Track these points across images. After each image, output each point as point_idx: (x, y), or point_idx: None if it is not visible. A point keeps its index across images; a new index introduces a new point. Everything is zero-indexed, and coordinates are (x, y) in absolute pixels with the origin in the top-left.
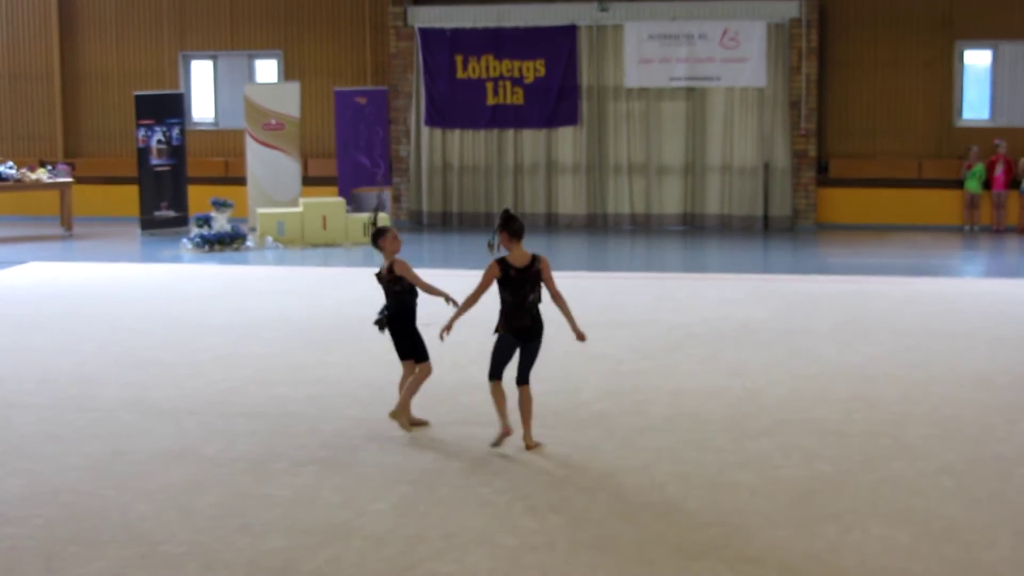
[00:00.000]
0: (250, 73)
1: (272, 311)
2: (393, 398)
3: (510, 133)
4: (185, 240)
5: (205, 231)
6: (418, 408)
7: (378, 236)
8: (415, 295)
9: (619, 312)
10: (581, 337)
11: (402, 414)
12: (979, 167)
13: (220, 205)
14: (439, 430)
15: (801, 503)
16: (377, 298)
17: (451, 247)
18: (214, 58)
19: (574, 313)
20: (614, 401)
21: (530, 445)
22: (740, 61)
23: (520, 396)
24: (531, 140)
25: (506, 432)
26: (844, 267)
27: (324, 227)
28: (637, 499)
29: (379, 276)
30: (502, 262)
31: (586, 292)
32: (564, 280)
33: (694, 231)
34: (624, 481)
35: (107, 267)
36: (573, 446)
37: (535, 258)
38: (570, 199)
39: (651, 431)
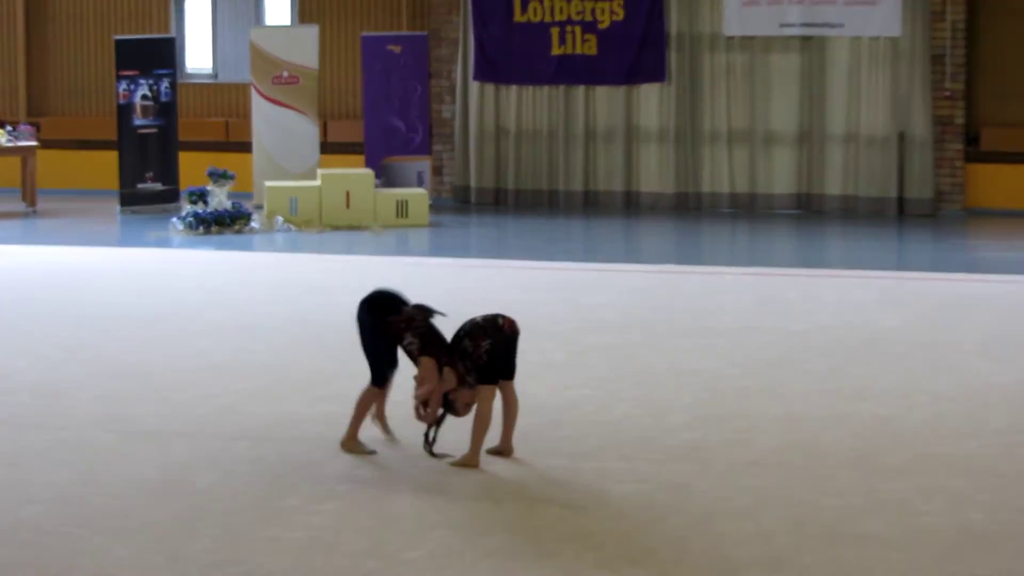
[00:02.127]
0: (257, 14)
1: (282, 309)
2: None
3: (580, 91)
4: (175, 220)
5: (200, 209)
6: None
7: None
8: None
9: (716, 317)
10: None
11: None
12: None
13: (219, 177)
14: (489, 463)
15: (946, 560)
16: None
17: (505, 233)
18: None
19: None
20: (709, 428)
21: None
22: (869, 4)
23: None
24: (606, 100)
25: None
26: (999, 264)
27: (347, 205)
28: (738, 552)
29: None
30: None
31: (674, 291)
32: (645, 276)
33: (810, 216)
34: (722, 529)
35: (78, 252)
36: (658, 483)
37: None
38: (655, 174)
39: (756, 466)
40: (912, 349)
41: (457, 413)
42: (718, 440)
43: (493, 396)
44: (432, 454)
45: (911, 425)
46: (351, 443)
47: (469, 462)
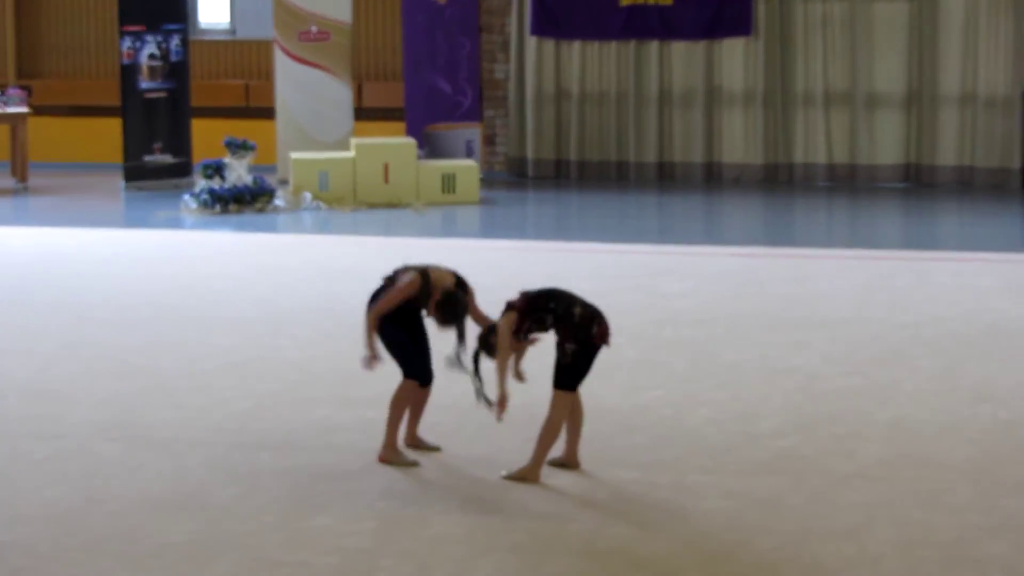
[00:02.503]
0: None
1: (311, 299)
2: (482, 424)
3: (653, 47)
4: (187, 197)
5: (216, 185)
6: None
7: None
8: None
9: (812, 306)
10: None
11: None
12: None
13: (237, 148)
14: (550, 477)
15: None
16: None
17: (567, 211)
18: None
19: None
20: (804, 435)
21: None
22: None
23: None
24: (683, 57)
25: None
26: None
27: (386, 180)
28: None
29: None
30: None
31: (763, 277)
32: (730, 260)
33: (920, 190)
34: (821, 551)
35: (76, 234)
36: (744, 499)
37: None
38: (740, 143)
39: (859, 479)
40: None
41: (491, 352)
42: (814, 449)
43: (569, 405)
44: (487, 402)
45: None
46: (390, 452)
47: (529, 476)
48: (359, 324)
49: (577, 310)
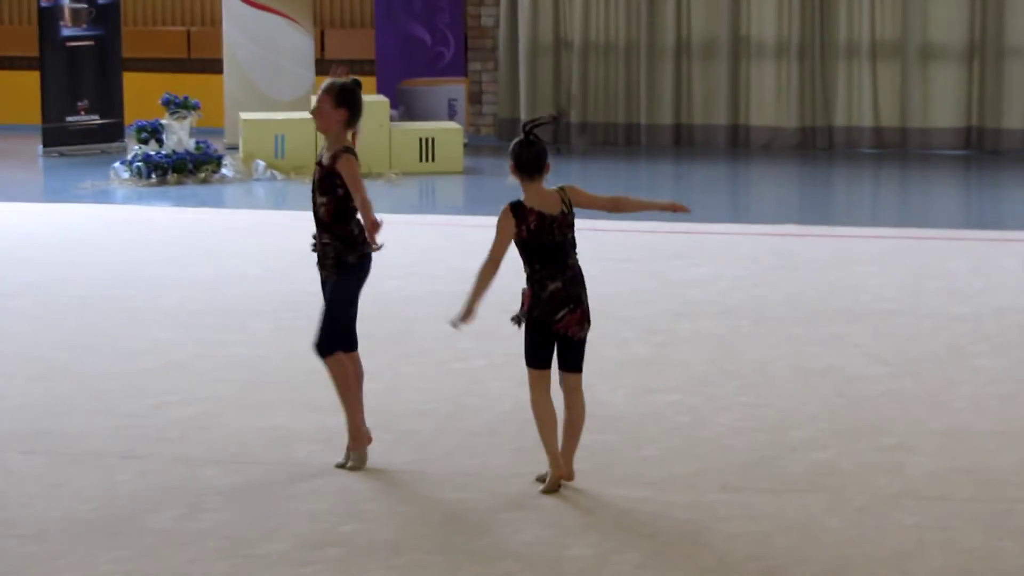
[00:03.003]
0: None
1: (264, 286)
2: (466, 434)
3: None
4: (118, 165)
5: (152, 151)
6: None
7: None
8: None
9: (853, 294)
10: (675, 207)
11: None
12: None
13: (177, 107)
14: (541, 497)
15: None
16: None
17: (567, 182)
18: None
19: None
20: (844, 447)
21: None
22: None
23: (567, 403)
24: (705, 2)
25: (559, 475)
26: None
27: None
28: None
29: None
30: (517, 208)
31: (797, 260)
32: (758, 241)
33: (983, 158)
34: None
35: None
36: (775, 522)
37: (563, 193)
38: (770, 102)
39: (908, 498)
40: None
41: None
42: (856, 463)
43: (532, 383)
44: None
45: None
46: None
47: (550, 478)
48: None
49: (553, 286)
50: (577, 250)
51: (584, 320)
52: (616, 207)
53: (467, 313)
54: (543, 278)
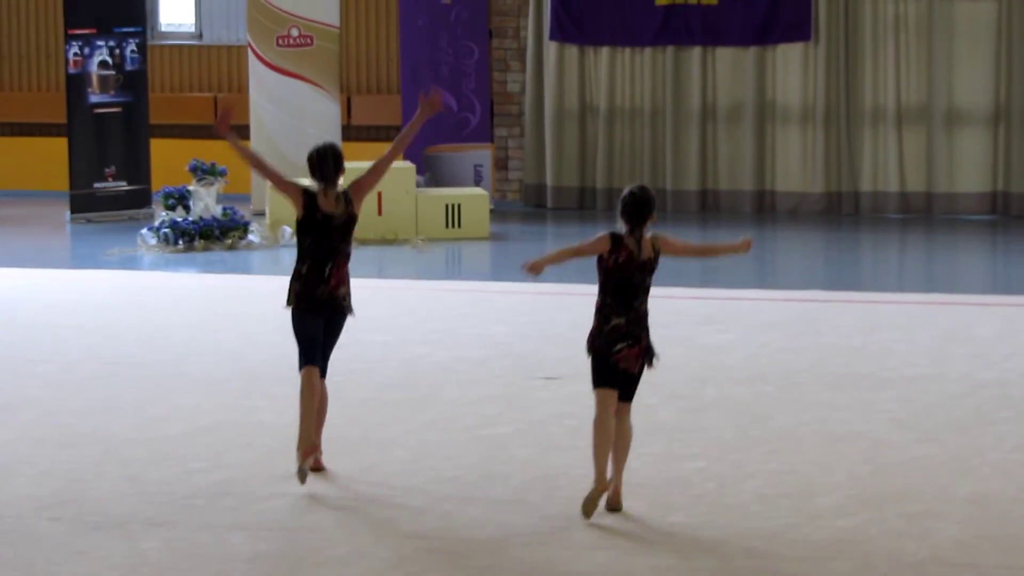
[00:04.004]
0: None
1: (289, 352)
2: (502, 499)
3: (695, 55)
4: (146, 231)
5: (179, 217)
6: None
7: None
8: None
9: (879, 360)
10: (746, 245)
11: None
12: None
13: (205, 173)
14: (553, 548)
15: None
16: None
17: None
18: None
19: None
20: (871, 514)
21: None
22: None
23: (616, 427)
24: (730, 67)
25: (601, 489)
26: None
27: (379, 211)
28: None
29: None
30: (616, 238)
31: (823, 326)
32: (784, 307)
33: (1009, 223)
34: None
35: (15, 275)
36: None
37: (656, 242)
38: (796, 168)
39: (935, 565)
40: None
41: None
42: (882, 530)
43: (599, 402)
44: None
45: None
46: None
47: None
48: (347, 383)
49: (616, 321)
50: (649, 296)
51: (641, 356)
52: (703, 253)
53: (537, 266)
54: (609, 312)
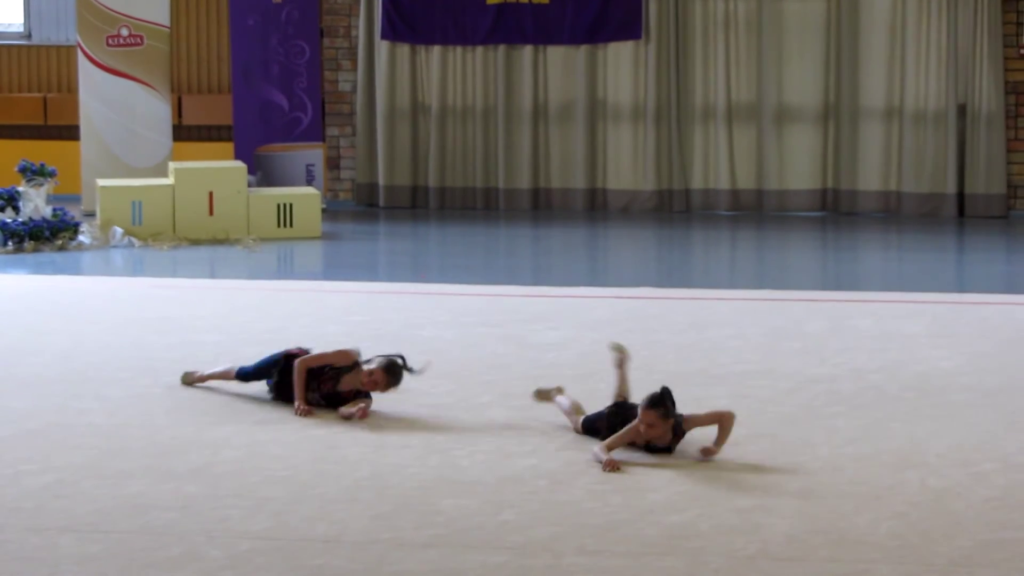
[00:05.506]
0: None
1: (121, 354)
2: (326, 500)
3: (526, 53)
4: None
5: (8, 218)
6: None
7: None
8: None
9: (710, 357)
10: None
11: None
12: None
13: (35, 174)
14: (430, 557)
15: None
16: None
17: (425, 247)
18: None
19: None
20: (702, 509)
21: None
22: None
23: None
24: (561, 65)
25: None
26: None
27: (210, 211)
28: None
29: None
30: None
31: (654, 323)
32: (615, 304)
33: (839, 220)
34: None
35: None
36: None
37: (677, 427)
38: (628, 166)
39: (765, 559)
40: (976, 398)
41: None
42: (712, 525)
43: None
44: None
45: (974, 502)
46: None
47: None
48: (179, 383)
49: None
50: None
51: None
52: (719, 421)
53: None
54: None
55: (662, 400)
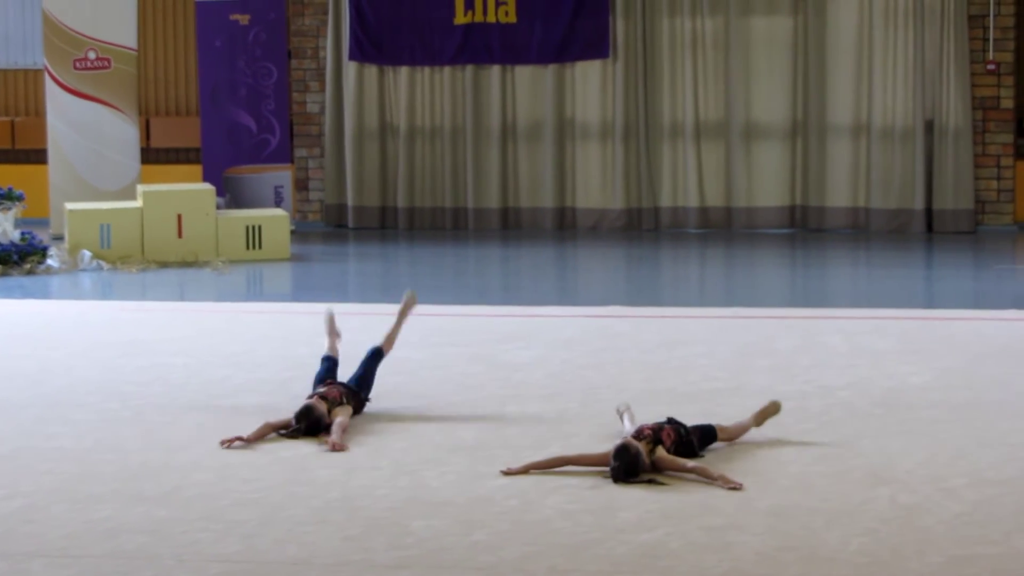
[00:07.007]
0: None
1: (90, 377)
2: (297, 522)
3: (494, 73)
4: None
5: None
6: None
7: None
8: None
9: (680, 375)
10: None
11: None
12: None
13: (2, 198)
14: (371, 568)
15: None
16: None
17: (394, 268)
18: None
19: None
20: (672, 527)
21: None
22: None
23: None
24: (529, 85)
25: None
26: None
27: (179, 234)
28: None
29: None
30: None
31: (625, 339)
32: (585, 323)
33: (807, 236)
34: None
35: None
36: None
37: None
38: (596, 184)
39: None
40: (945, 414)
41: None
42: (683, 543)
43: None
44: None
45: (944, 518)
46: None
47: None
48: (148, 407)
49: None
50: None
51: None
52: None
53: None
54: None
55: (621, 475)
